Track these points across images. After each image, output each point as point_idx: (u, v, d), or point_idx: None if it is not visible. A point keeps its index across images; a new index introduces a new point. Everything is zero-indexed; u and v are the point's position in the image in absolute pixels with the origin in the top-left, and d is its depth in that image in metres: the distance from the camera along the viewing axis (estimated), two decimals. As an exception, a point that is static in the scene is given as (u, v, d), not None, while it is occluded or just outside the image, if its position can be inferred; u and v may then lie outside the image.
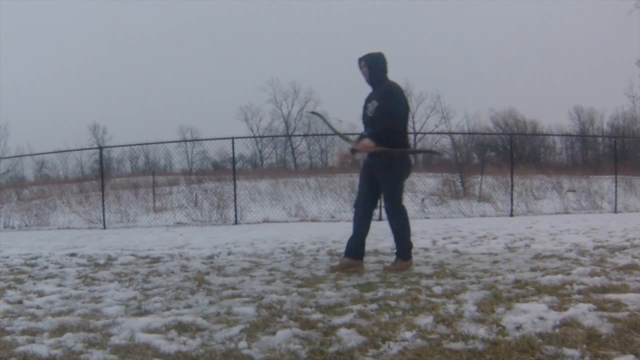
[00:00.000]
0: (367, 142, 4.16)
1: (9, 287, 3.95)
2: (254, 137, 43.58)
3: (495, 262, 4.46)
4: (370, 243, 6.09)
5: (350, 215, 10.98)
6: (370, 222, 4.40)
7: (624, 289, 3.12)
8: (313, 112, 4.57)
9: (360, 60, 4.27)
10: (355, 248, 4.31)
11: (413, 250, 5.31)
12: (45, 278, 4.36)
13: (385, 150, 4.11)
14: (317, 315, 2.79)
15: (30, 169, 21.04)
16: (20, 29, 63.92)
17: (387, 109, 4.10)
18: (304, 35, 66.14)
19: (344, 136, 4.50)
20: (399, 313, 2.79)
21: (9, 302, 3.40)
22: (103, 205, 11.20)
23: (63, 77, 60.57)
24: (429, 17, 65.96)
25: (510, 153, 16.70)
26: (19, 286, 4.00)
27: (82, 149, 16.94)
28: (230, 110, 69.13)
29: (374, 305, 2.95)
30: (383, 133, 4.10)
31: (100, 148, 13.76)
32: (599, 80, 58.67)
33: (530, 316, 2.56)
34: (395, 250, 4.36)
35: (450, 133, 15.81)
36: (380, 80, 4.25)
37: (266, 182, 15.77)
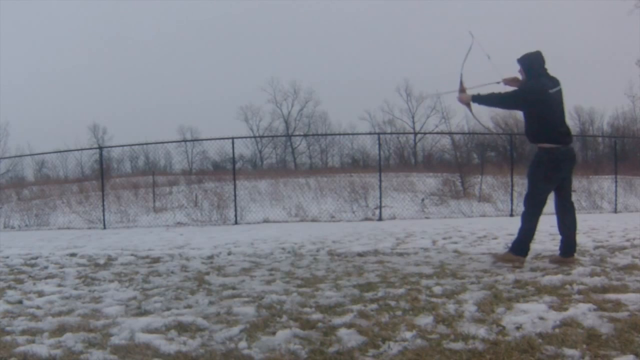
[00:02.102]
0: (464, 95, 4.54)
1: (9, 287, 3.95)
2: (254, 137, 43.59)
3: (496, 262, 4.46)
4: (370, 243, 6.11)
5: (349, 215, 11.03)
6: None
7: (624, 289, 3.12)
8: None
9: (518, 62, 4.46)
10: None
11: (413, 250, 5.34)
12: (45, 278, 4.36)
13: (469, 110, 4.67)
14: (317, 315, 2.79)
15: (30, 169, 21.07)
16: (20, 29, 63.88)
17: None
18: (304, 35, 66.14)
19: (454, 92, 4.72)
20: (399, 313, 2.79)
21: (9, 302, 3.40)
22: (103, 205, 11.20)
23: (63, 77, 60.49)
24: (429, 17, 65.95)
25: (510, 153, 16.68)
26: (19, 286, 4.00)
27: (82, 149, 16.89)
28: (230, 110, 69.13)
29: (374, 305, 2.95)
30: (486, 97, 4.43)
31: (100, 148, 13.75)
32: (599, 80, 58.55)
33: (530, 316, 2.56)
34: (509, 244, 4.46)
35: (450, 133, 15.80)
36: (530, 78, 4.40)
37: (266, 182, 15.76)
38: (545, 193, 4.32)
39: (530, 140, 4.43)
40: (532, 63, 4.37)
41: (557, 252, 4.39)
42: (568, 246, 4.30)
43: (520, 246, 4.29)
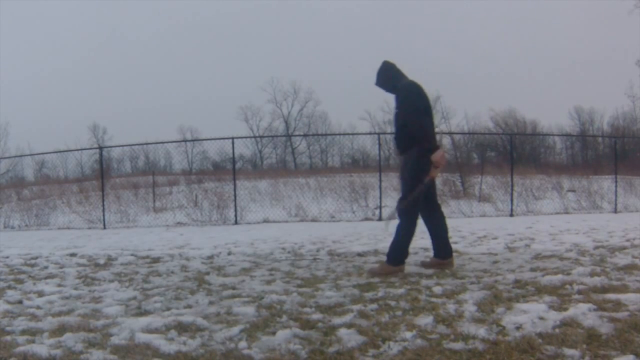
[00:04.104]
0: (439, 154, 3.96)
1: (9, 287, 3.95)
2: (254, 137, 43.63)
3: (495, 262, 4.46)
4: (370, 243, 6.11)
5: (349, 215, 11.02)
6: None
7: (624, 289, 3.12)
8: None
9: (378, 85, 4.22)
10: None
11: (413, 250, 5.34)
12: (45, 278, 4.36)
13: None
14: (317, 315, 2.79)
15: (30, 169, 21.04)
16: (21, 29, 63.91)
17: (402, 119, 4.01)
18: (304, 35, 66.22)
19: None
20: (399, 313, 2.79)
21: (9, 302, 3.40)
22: (103, 205, 11.20)
23: (63, 77, 60.67)
24: (429, 17, 66.01)
25: (510, 153, 16.68)
26: (19, 286, 4.00)
27: (82, 149, 16.90)
28: (230, 110, 69.30)
29: (374, 305, 2.95)
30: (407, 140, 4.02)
31: (100, 148, 13.74)
32: (599, 80, 58.69)
33: (530, 316, 2.56)
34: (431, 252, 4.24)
35: (450, 133, 15.79)
36: (395, 86, 4.14)
37: (266, 182, 15.76)
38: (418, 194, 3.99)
39: (412, 141, 3.95)
40: (389, 74, 4.16)
41: (432, 254, 4.22)
42: (443, 247, 4.15)
43: (401, 254, 4.01)
